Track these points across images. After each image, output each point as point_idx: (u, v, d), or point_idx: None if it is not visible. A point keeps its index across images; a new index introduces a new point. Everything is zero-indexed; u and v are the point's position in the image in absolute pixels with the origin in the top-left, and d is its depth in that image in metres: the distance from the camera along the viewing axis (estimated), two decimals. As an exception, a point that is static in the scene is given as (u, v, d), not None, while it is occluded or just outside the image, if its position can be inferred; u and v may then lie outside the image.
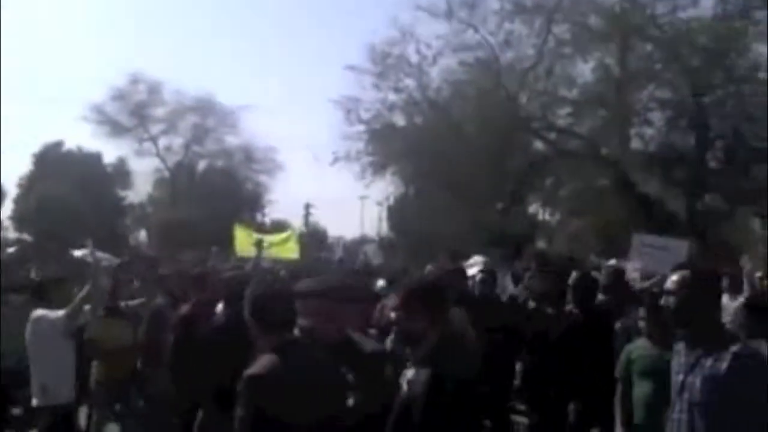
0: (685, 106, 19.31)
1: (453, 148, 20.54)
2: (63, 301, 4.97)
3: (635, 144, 21.45)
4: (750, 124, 19.12)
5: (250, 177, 41.74)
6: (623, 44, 19.43)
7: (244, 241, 12.41)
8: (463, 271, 7.16)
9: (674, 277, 3.10)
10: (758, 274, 10.49)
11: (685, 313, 3.03)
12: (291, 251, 12.57)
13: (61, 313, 4.83)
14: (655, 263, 8.38)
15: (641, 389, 4.20)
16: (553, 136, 22.01)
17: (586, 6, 19.27)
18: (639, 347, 4.44)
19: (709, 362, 2.90)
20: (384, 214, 39.52)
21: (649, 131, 20.99)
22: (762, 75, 18.88)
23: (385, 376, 3.16)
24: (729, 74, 18.65)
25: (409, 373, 2.91)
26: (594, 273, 7.14)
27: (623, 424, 4.34)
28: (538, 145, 22.66)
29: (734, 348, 2.85)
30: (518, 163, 22.13)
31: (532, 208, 29.06)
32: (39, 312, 4.91)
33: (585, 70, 20.82)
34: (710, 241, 19.15)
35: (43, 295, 5.22)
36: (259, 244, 9.50)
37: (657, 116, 20.50)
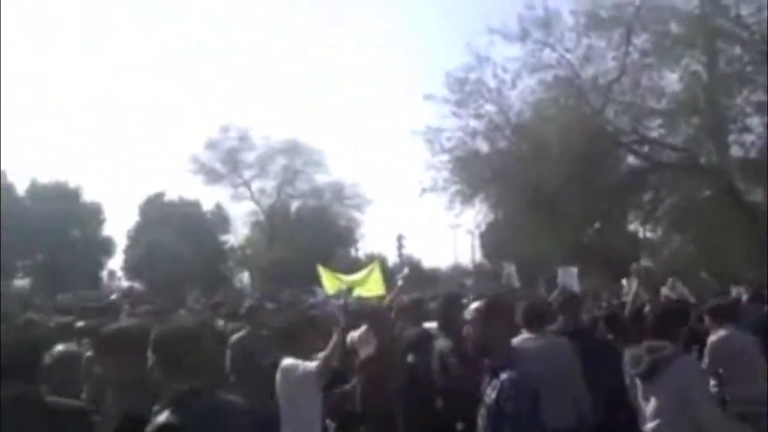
0: (786, 108, 18.02)
1: (540, 170, 20.03)
2: (309, 349, 4.53)
3: (735, 151, 20.21)
4: None
5: (342, 213, 42.49)
6: (709, 49, 18.41)
7: (330, 282, 12.36)
8: None
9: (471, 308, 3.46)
10: None
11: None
12: (376, 287, 12.21)
13: (312, 365, 4.36)
14: None
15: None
16: (645, 149, 21.10)
17: (665, 13, 18.45)
18: None
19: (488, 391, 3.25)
20: (476, 242, 39.05)
21: (749, 137, 19.72)
22: None
23: None
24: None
25: None
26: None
27: None
28: (631, 159, 21.78)
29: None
30: (610, 180, 21.32)
31: (632, 226, 27.87)
32: (290, 360, 4.41)
33: (672, 78, 19.90)
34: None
35: (291, 340, 4.59)
36: (348, 290, 9.51)
37: (755, 121, 19.22)
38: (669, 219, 26.41)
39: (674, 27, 18.52)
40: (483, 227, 31.08)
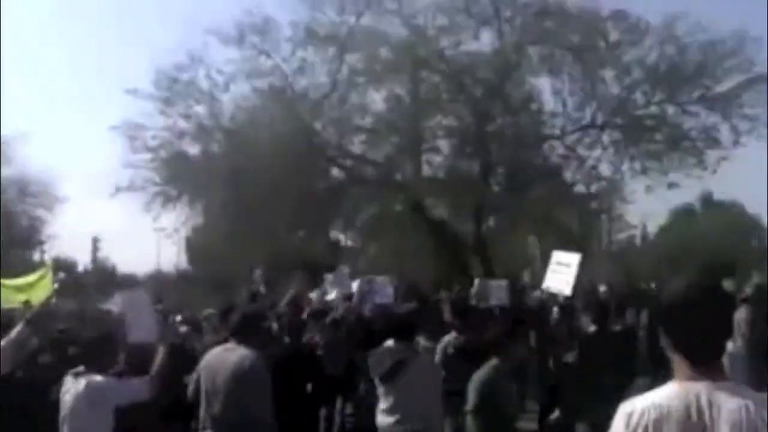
0: (469, 134, 20.55)
1: (250, 177, 19.96)
2: None
3: (426, 170, 22.45)
4: (526, 150, 20.85)
5: (26, 211, 37.51)
6: (413, 75, 20.24)
7: (5, 294, 10.97)
8: None
9: None
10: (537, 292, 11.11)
11: None
12: (45, 292, 11.24)
13: None
14: (558, 281, 8.31)
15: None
16: (348, 163, 22.30)
17: (377, 37, 19.75)
18: None
19: None
20: (182, 247, 37.62)
21: (437, 158, 22.09)
22: (534, 106, 20.79)
23: None
24: (506, 104, 20.18)
25: None
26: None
27: None
28: (336, 172, 22.84)
29: None
30: (317, 190, 22.12)
31: (334, 234, 29.35)
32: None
33: (378, 98, 21.40)
34: (495, 260, 20.63)
35: None
36: (26, 302, 8.56)
37: (444, 144, 21.66)
38: (366, 229, 28.45)
39: (384, 52, 19.91)
40: (189, 231, 30.00)
